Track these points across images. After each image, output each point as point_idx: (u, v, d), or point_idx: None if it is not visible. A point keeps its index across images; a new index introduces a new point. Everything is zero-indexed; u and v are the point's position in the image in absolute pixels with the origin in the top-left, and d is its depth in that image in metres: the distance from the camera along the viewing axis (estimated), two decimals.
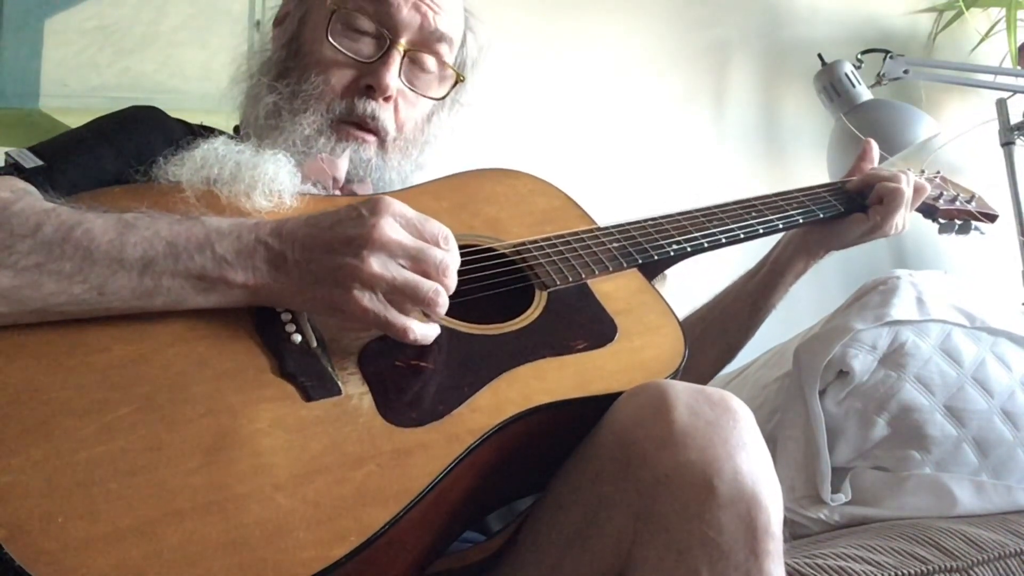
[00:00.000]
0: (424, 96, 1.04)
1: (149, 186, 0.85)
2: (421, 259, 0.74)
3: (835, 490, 1.27)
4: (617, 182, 1.94)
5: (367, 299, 0.72)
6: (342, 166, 0.96)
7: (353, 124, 0.99)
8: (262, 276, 0.73)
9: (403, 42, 0.99)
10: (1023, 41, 2.30)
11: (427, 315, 0.76)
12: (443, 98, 1.07)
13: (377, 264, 0.72)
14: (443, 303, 0.75)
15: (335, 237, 0.73)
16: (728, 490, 0.66)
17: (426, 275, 0.74)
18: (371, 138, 1.00)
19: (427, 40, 1.02)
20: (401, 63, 1.00)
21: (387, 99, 0.99)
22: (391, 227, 0.73)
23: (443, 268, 0.75)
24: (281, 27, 1.07)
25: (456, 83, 1.07)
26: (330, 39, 0.99)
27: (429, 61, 1.03)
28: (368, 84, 0.98)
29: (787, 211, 1.11)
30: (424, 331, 0.75)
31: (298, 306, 0.75)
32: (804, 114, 2.25)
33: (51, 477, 0.61)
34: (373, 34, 1.00)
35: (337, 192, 0.97)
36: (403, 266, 0.74)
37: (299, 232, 0.74)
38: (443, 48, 1.04)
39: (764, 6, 2.28)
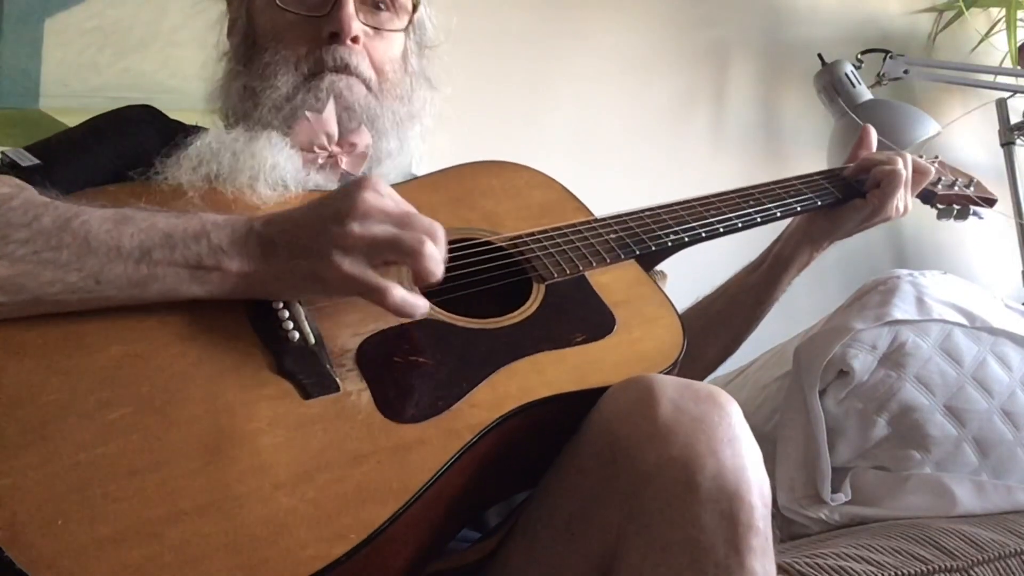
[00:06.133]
0: (390, 31, 1.03)
1: (148, 186, 0.84)
2: (408, 223, 0.73)
3: (835, 490, 1.27)
4: (617, 182, 1.93)
5: (347, 264, 0.71)
6: (330, 120, 0.95)
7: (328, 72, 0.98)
8: (255, 263, 0.73)
9: None
10: (1023, 41, 2.31)
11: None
12: (406, 28, 1.05)
13: (358, 227, 0.71)
14: (429, 253, 0.71)
15: (320, 214, 0.73)
16: (710, 486, 0.66)
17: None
18: (354, 79, 0.98)
19: None
20: (355, 5, 0.98)
21: (355, 40, 0.98)
22: (376, 197, 0.73)
23: (432, 231, 0.73)
24: (233, 32, 1.06)
25: (414, 9, 1.05)
26: (279, 3, 0.98)
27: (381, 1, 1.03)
28: (331, 31, 0.97)
29: (785, 199, 1.11)
30: (405, 295, 0.72)
31: (287, 290, 0.75)
32: (804, 114, 2.25)
33: (50, 479, 0.61)
34: None
35: (337, 149, 0.96)
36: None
37: (288, 217, 0.75)
38: None
39: (764, 6, 2.28)
